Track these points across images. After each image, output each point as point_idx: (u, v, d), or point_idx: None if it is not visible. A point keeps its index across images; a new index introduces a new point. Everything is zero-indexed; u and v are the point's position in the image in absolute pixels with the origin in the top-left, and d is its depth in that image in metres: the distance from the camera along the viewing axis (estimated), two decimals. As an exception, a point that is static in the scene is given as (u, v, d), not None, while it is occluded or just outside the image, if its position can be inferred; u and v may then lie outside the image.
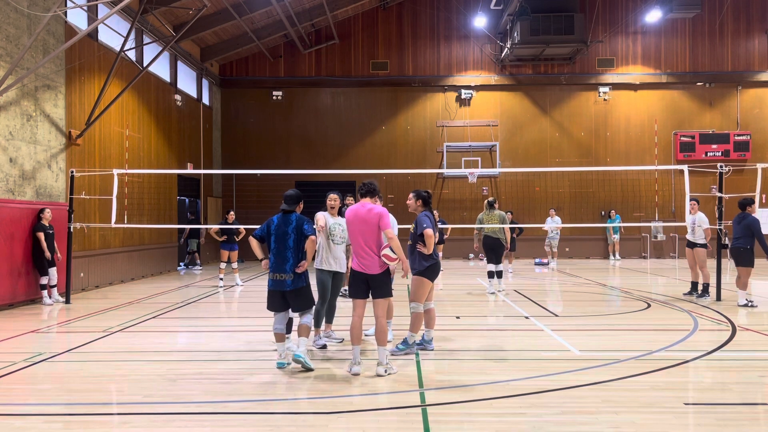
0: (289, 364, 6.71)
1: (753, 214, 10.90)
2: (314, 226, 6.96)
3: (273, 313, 6.87)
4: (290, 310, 6.87)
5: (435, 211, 8.11)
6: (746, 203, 11.00)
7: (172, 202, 19.40)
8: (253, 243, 6.83)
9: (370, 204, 6.61)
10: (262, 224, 6.91)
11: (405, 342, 7.33)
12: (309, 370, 6.58)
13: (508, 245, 13.29)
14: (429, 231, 6.96)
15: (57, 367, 6.92)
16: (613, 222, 21.84)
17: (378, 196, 7.13)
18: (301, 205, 6.94)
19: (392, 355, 7.13)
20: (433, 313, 7.53)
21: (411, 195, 7.38)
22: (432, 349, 7.48)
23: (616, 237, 22.55)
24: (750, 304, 10.80)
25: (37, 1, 12.44)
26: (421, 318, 7.29)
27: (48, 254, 11.68)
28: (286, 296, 6.68)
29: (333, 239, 7.62)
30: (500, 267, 13.19)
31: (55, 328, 9.54)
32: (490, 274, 13.11)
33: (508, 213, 17.99)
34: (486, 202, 13.10)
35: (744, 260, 10.83)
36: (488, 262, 13.12)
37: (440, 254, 7.23)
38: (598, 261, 22.62)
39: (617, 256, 22.56)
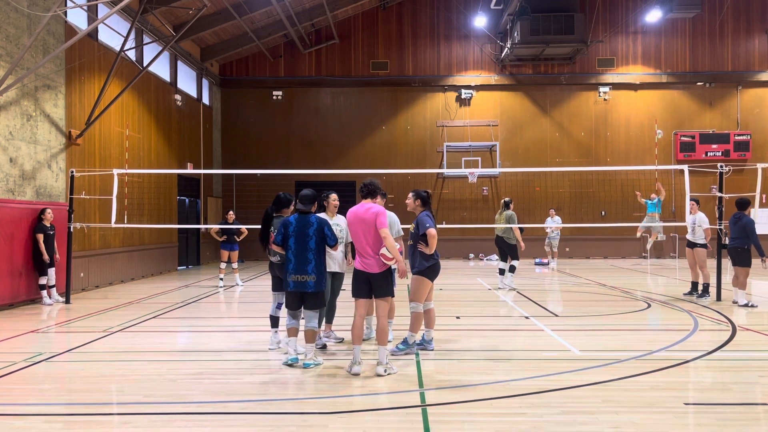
0: (297, 361, 6.73)
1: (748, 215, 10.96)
2: (335, 236, 6.90)
3: (287, 310, 6.91)
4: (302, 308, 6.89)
5: None
6: (745, 203, 11.02)
7: (172, 202, 19.40)
8: (278, 249, 6.86)
9: (369, 203, 6.64)
10: (278, 227, 6.90)
11: (405, 342, 7.33)
12: (318, 365, 6.76)
13: (522, 245, 13.66)
14: (432, 231, 7.00)
15: (57, 367, 6.92)
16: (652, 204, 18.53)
17: (381, 194, 7.14)
18: (316, 205, 6.97)
19: (392, 355, 7.13)
20: (432, 313, 7.53)
21: (410, 194, 7.40)
22: (432, 349, 7.48)
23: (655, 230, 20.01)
24: (750, 304, 10.81)
25: (37, 1, 12.43)
26: (420, 318, 7.29)
27: (46, 257, 11.65)
28: (305, 296, 6.71)
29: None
30: (502, 264, 13.69)
31: (54, 328, 9.53)
32: (500, 271, 13.85)
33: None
34: (502, 201, 13.67)
35: (741, 260, 10.86)
36: (501, 260, 13.86)
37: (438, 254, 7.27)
38: (598, 261, 22.62)
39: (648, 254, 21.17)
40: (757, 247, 10.62)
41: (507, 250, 13.57)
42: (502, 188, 23.70)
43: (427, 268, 7.18)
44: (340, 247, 7.79)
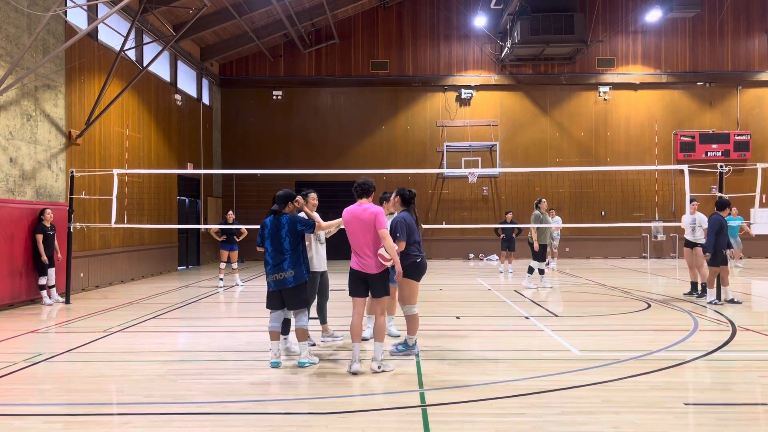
0: (280, 364, 6.74)
1: (725, 216, 11.09)
2: (310, 221, 6.91)
3: (269, 311, 6.91)
4: (285, 309, 6.89)
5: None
6: (723, 204, 11.17)
7: (172, 202, 19.40)
8: (260, 250, 6.93)
9: (366, 203, 6.64)
10: (259, 230, 6.95)
11: (405, 344, 7.31)
12: (313, 364, 6.79)
13: (535, 245, 13.92)
14: (401, 244, 6.91)
15: (57, 367, 6.92)
16: (734, 221, 18.10)
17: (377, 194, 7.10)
18: (291, 206, 6.91)
19: (391, 355, 7.13)
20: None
21: (394, 192, 7.41)
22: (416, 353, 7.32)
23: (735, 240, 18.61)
24: (718, 302, 11.05)
25: (37, 1, 12.43)
26: (416, 319, 7.23)
27: (44, 258, 11.65)
28: (283, 294, 6.74)
29: (319, 239, 7.69)
30: (532, 263, 14.08)
31: (54, 328, 9.53)
32: (540, 270, 14.13)
33: (508, 213, 18.05)
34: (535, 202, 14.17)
35: (713, 259, 11.01)
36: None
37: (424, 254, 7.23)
38: (598, 261, 22.61)
39: (738, 263, 18.97)
40: (708, 242, 10.83)
41: (533, 251, 14.01)
42: (502, 188, 23.70)
43: (408, 265, 6.96)
44: (324, 246, 7.78)
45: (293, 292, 6.71)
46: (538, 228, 13.70)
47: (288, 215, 6.80)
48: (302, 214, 7.31)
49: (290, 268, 6.65)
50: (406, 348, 7.27)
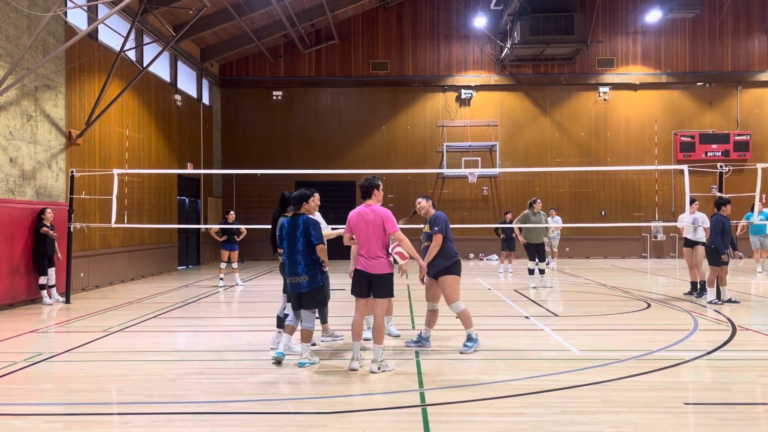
0: (284, 355, 6.82)
1: (726, 215, 11.07)
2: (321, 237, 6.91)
3: (292, 308, 6.99)
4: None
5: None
6: (720, 203, 11.17)
7: (172, 202, 19.40)
8: (281, 251, 6.98)
9: (373, 205, 6.67)
10: (277, 231, 6.99)
11: (469, 338, 7.38)
12: (314, 363, 6.81)
13: (520, 239, 14.24)
14: (439, 237, 7.19)
15: (57, 367, 6.92)
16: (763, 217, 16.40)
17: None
18: (306, 206, 6.92)
19: (461, 353, 7.21)
20: (437, 314, 7.58)
21: (422, 199, 7.54)
22: (430, 347, 7.51)
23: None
24: (717, 301, 11.05)
25: (37, 1, 12.44)
26: (468, 313, 7.36)
27: (51, 234, 11.77)
28: (301, 297, 6.77)
29: None
30: (529, 264, 14.22)
31: (54, 328, 9.53)
32: (540, 270, 14.23)
33: (507, 213, 18.07)
34: None
35: (713, 259, 11.02)
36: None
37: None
38: (598, 261, 22.61)
39: (760, 267, 17.12)
40: (717, 245, 10.82)
41: (527, 250, 14.24)
42: (502, 188, 23.71)
43: (453, 264, 7.30)
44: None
45: (308, 295, 6.73)
46: (525, 227, 13.78)
47: (305, 215, 6.81)
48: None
49: (304, 273, 6.66)
50: (473, 343, 7.34)
